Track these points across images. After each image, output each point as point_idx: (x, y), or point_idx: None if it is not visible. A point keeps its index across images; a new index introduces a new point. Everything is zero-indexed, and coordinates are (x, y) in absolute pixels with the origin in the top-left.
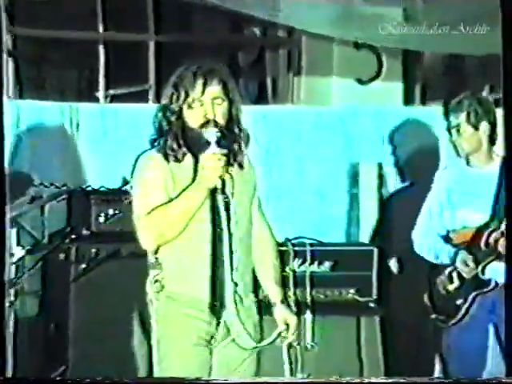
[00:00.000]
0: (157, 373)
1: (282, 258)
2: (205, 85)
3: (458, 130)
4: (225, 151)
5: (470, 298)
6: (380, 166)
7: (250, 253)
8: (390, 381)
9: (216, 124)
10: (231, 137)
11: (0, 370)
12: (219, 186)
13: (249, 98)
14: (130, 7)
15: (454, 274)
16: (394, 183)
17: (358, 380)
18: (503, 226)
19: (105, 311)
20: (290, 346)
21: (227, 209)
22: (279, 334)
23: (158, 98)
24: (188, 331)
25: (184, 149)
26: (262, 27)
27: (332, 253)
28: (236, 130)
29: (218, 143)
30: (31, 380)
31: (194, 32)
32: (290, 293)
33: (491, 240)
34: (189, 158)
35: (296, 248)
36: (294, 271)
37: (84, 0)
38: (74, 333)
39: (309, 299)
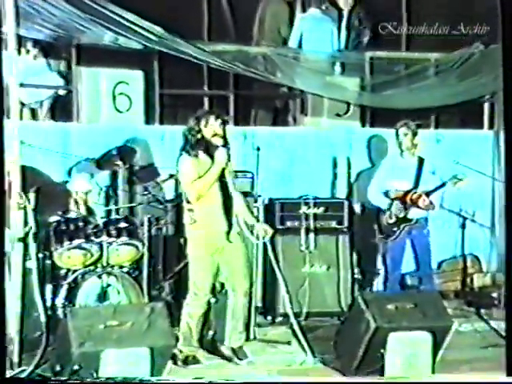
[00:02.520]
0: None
1: (296, 208)
2: (217, 118)
3: (406, 136)
4: (227, 149)
5: (401, 227)
6: (348, 159)
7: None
8: (390, 381)
9: (221, 136)
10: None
11: (0, 370)
12: (226, 166)
13: (280, 122)
14: (217, 76)
15: (392, 215)
16: (356, 168)
17: (358, 380)
18: (419, 191)
19: None
20: (301, 250)
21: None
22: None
23: (235, 124)
24: (205, 244)
25: (203, 149)
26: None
27: (324, 203)
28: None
29: (223, 145)
30: (31, 380)
31: (258, 88)
32: (303, 223)
33: (414, 197)
34: (203, 154)
35: (305, 200)
36: (305, 213)
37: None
38: None
39: (312, 226)
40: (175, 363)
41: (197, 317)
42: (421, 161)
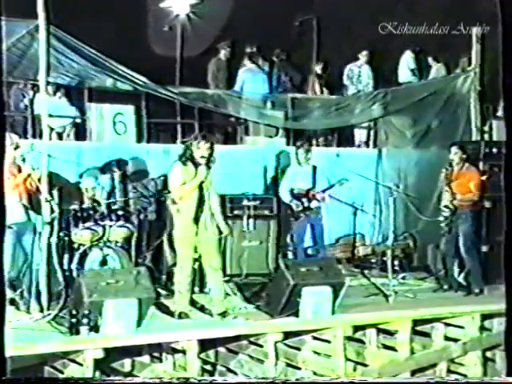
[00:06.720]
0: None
1: (240, 201)
2: (207, 142)
3: (302, 153)
4: (208, 167)
5: (306, 214)
6: (276, 168)
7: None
8: (390, 381)
9: (206, 157)
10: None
11: (0, 370)
12: (205, 179)
13: (231, 141)
14: (186, 110)
15: (300, 207)
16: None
17: (357, 380)
18: (317, 189)
19: None
20: (243, 231)
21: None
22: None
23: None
24: (185, 228)
25: (193, 163)
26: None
27: (259, 198)
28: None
29: (206, 164)
30: (31, 380)
31: (214, 117)
32: (245, 212)
33: (313, 193)
34: (191, 166)
35: (247, 196)
36: (246, 204)
37: None
38: None
39: (252, 214)
40: (172, 316)
41: (185, 283)
42: (314, 168)
